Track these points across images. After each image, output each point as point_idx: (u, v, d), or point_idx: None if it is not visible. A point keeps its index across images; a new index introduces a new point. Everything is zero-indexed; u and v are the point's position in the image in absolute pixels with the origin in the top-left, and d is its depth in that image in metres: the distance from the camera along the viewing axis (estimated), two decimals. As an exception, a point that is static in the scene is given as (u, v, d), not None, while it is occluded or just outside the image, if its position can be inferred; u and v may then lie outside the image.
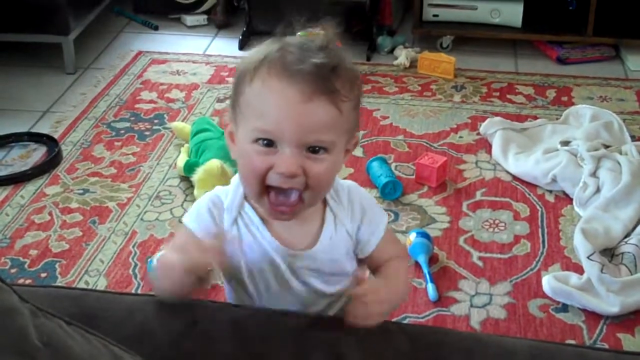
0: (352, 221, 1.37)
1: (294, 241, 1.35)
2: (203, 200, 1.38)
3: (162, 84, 3.42)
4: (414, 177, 2.74)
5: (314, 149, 1.23)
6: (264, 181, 1.24)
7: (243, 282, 1.37)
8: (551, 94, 3.33)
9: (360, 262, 1.43)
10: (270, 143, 1.22)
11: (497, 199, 2.66)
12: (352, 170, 2.77)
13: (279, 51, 1.24)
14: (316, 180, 1.24)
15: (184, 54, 3.71)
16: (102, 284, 2.28)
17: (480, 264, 2.36)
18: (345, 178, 2.66)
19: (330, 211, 1.36)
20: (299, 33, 1.30)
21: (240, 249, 1.35)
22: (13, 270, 2.34)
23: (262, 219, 1.34)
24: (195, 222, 1.35)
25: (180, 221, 1.38)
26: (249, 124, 1.24)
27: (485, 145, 2.94)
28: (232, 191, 1.36)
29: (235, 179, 1.37)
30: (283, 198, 1.25)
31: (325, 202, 1.36)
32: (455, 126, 3.08)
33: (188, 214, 1.38)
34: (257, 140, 1.23)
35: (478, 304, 2.21)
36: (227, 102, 1.36)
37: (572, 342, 2.07)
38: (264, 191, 1.25)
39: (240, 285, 1.39)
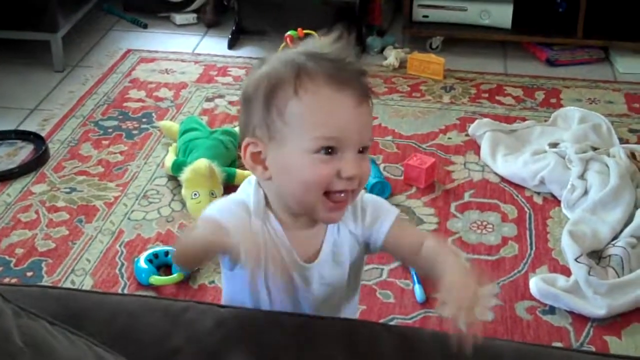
0: (355, 220, 1.38)
1: (307, 246, 1.36)
2: (227, 200, 1.36)
3: (150, 83, 3.40)
4: (402, 178, 2.74)
5: (362, 149, 1.27)
6: (327, 188, 1.26)
7: (255, 283, 1.36)
8: (540, 95, 3.33)
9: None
10: (331, 150, 1.24)
11: (485, 200, 2.66)
12: (340, 170, 2.76)
13: (309, 61, 1.26)
14: (365, 177, 1.30)
15: (172, 52, 3.70)
16: (88, 284, 2.27)
17: (467, 265, 2.36)
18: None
19: None
20: (288, 32, 1.30)
21: (266, 251, 1.33)
22: (-2, 269, 2.33)
23: (283, 227, 1.34)
24: (221, 214, 1.30)
25: (201, 216, 1.33)
26: (305, 135, 1.24)
27: (473, 146, 2.94)
28: (253, 199, 1.34)
29: (248, 187, 1.35)
30: (343, 197, 1.28)
31: None
32: (444, 127, 3.08)
33: (211, 208, 1.33)
34: (318, 150, 1.24)
35: (465, 305, 2.21)
36: (243, 123, 1.32)
37: (559, 344, 2.07)
38: (323, 198, 1.27)
39: (251, 282, 1.37)
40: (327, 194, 1.27)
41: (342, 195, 1.27)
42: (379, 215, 1.38)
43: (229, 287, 1.43)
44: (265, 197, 1.34)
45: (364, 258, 1.46)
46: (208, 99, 3.26)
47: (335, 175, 1.25)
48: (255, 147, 1.29)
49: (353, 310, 1.50)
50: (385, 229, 1.38)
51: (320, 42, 1.31)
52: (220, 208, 1.33)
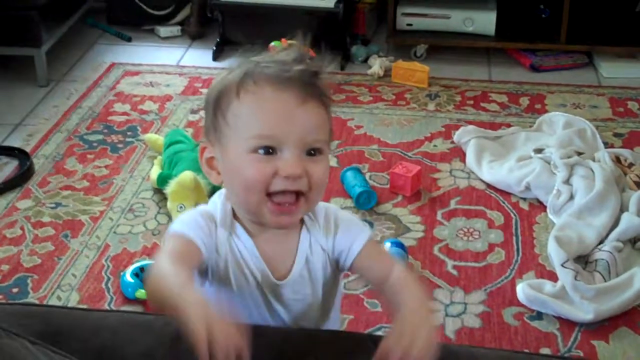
0: (327, 235, 1.36)
1: (279, 261, 1.34)
2: (193, 212, 1.34)
3: (135, 96, 3.40)
4: (388, 186, 2.74)
5: (311, 152, 1.25)
6: (267, 189, 1.24)
7: (232, 295, 1.35)
8: (525, 101, 3.34)
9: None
10: (270, 150, 1.23)
11: (472, 207, 2.66)
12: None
13: (257, 66, 1.26)
14: (317, 181, 1.26)
15: (157, 65, 3.69)
16: (74, 299, 2.26)
17: (454, 272, 2.36)
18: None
19: (305, 229, 1.35)
20: (272, 43, 1.30)
21: (234, 265, 1.32)
22: (-16, 286, 2.31)
23: (253, 239, 1.32)
24: (188, 228, 1.29)
25: (168, 231, 1.32)
26: (244, 135, 1.24)
27: (459, 153, 2.94)
28: (219, 210, 1.33)
29: (217, 199, 1.35)
30: (288, 199, 1.25)
31: (302, 221, 1.35)
32: (429, 135, 3.08)
33: (177, 222, 1.32)
34: (255, 149, 1.23)
35: (453, 313, 2.21)
36: (203, 128, 1.33)
37: (547, 350, 2.07)
38: (265, 199, 1.25)
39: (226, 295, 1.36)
40: (269, 195, 1.25)
41: (286, 196, 1.25)
42: (352, 234, 1.36)
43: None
44: (233, 209, 1.33)
45: (339, 277, 1.43)
46: (193, 111, 3.26)
47: (274, 174, 1.23)
48: (209, 152, 1.31)
49: (334, 327, 1.48)
50: (357, 249, 1.35)
51: (279, 51, 1.30)
52: (188, 221, 1.31)
